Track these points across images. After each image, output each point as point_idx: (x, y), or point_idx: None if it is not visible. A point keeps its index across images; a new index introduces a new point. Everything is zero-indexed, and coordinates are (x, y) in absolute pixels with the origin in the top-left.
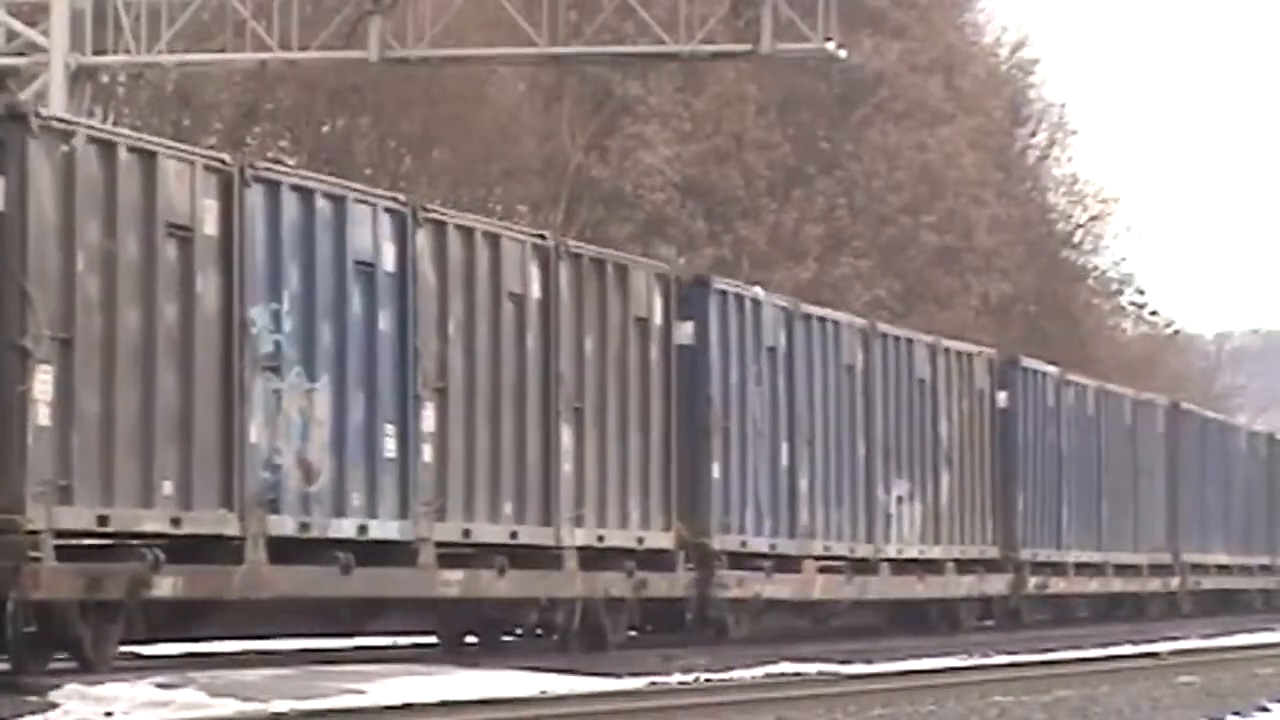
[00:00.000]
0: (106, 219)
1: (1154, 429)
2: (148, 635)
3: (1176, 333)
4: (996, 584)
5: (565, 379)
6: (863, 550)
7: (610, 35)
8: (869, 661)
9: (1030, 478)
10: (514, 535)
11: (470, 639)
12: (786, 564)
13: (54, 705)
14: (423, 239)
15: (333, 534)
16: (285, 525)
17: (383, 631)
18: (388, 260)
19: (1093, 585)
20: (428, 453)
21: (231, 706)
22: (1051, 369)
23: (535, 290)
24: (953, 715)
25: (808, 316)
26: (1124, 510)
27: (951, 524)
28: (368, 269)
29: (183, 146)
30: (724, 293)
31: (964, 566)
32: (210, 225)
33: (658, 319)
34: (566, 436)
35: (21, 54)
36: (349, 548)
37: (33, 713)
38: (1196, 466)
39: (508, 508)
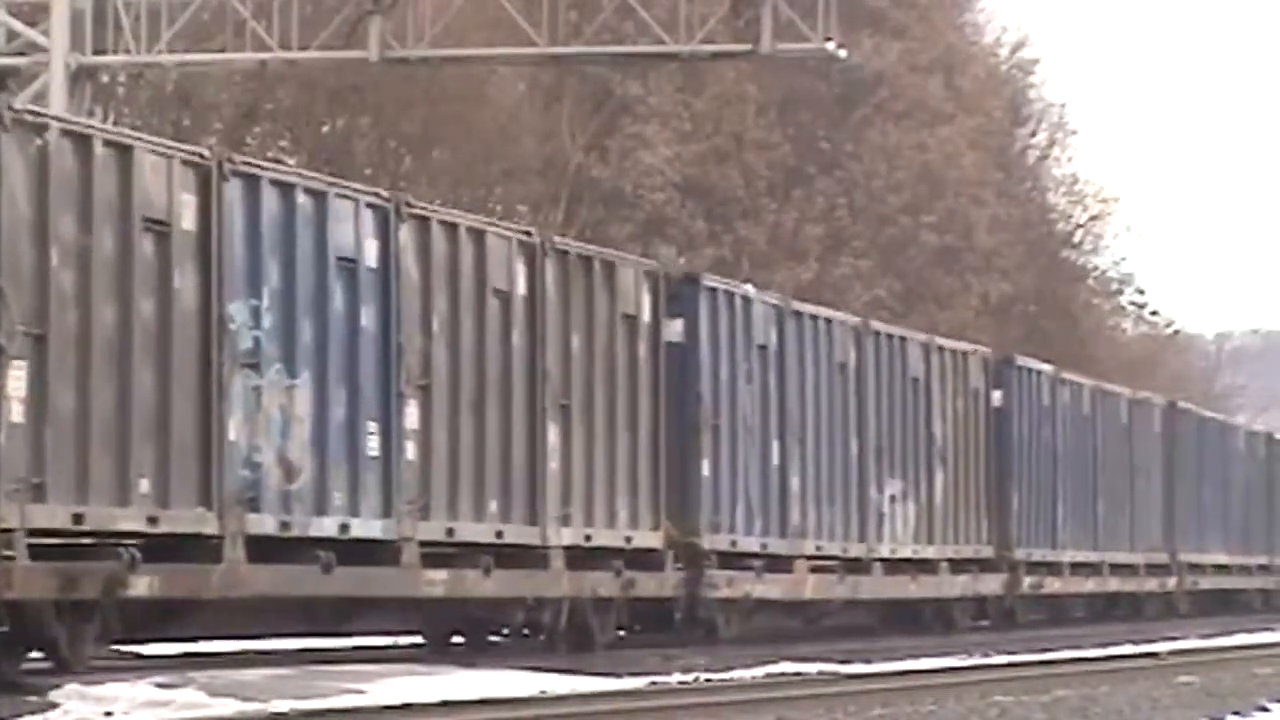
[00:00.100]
0: (81, 213)
1: (1151, 428)
2: (125, 635)
3: (1176, 333)
4: (991, 584)
5: (551, 376)
6: (855, 550)
7: (610, 35)
8: (868, 661)
9: (1025, 477)
10: (499, 534)
11: (456, 639)
12: (777, 564)
13: (54, 705)
14: (406, 234)
15: (314, 533)
16: (265, 524)
17: (369, 631)
18: (370, 256)
19: (1088, 585)
20: (411, 450)
21: (231, 706)
22: (1046, 367)
23: (521, 287)
24: (953, 715)
25: (799, 314)
26: (1120, 510)
27: (945, 523)
28: (350, 265)
29: (159, 140)
30: (714, 290)
31: (958, 566)
32: (188, 220)
33: (646, 316)
34: (553, 434)
35: (21, 54)
36: (331, 547)
37: (33, 713)
38: (1194, 466)
39: (493, 506)
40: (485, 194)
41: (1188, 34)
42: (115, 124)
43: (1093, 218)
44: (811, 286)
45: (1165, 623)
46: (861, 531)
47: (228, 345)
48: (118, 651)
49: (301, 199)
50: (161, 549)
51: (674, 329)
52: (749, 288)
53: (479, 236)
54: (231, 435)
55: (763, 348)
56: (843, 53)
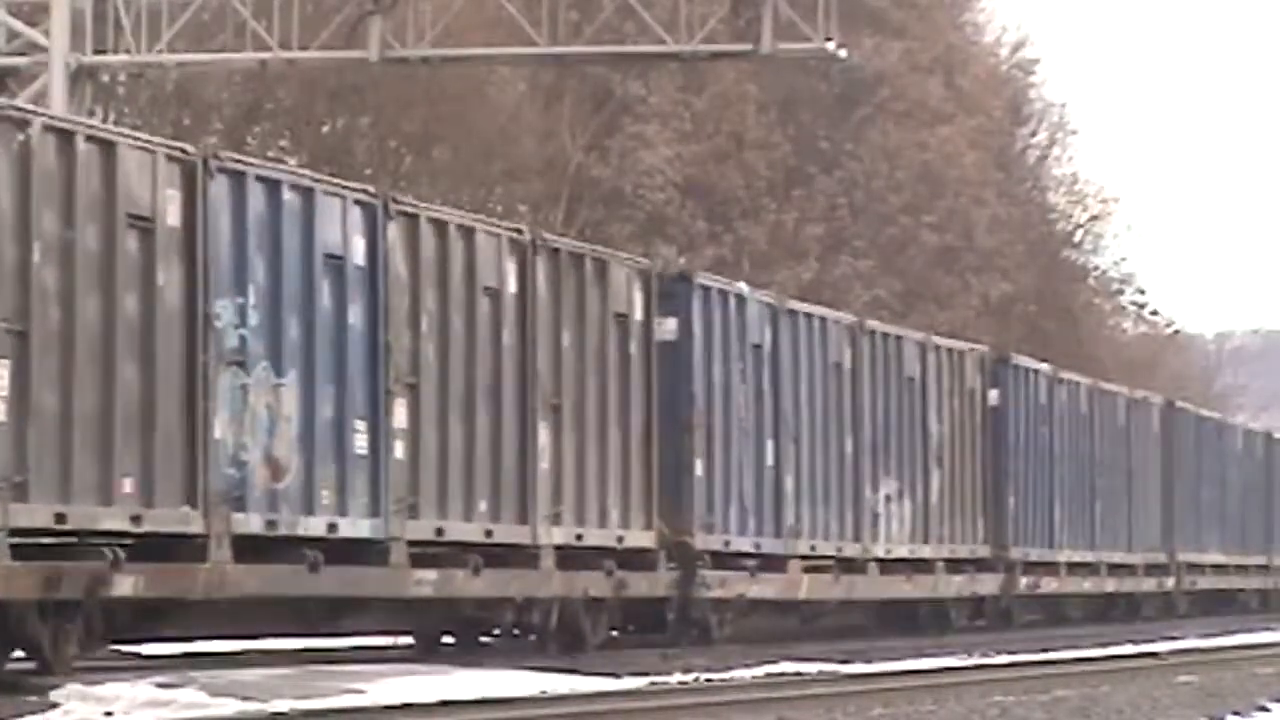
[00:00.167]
0: (64, 209)
1: (1149, 427)
2: (109, 636)
3: (1177, 332)
4: (987, 584)
5: (542, 375)
6: (850, 550)
7: (611, 35)
8: (869, 661)
9: (1022, 476)
10: (489, 534)
11: (447, 640)
12: (771, 564)
13: (54, 705)
14: (394, 232)
15: (301, 532)
16: (251, 523)
17: (358, 632)
18: (358, 253)
19: (1086, 585)
20: (400, 449)
21: (231, 706)
22: (1043, 366)
23: (511, 285)
24: (953, 715)
25: (793, 313)
26: (1118, 509)
27: (941, 523)
28: (337, 262)
29: (143, 136)
30: (707, 289)
31: (954, 566)
32: (172, 216)
33: (638, 315)
34: (544, 433)
35: (22, 54)
36: (318, 546)
37: (33, 712)
38: (1192, 465)
39: (482, 506)
40: (486, 194)
41: (1188, 34)
42: (115, 124)
43: (1093, 217)
44: (812, 286)
45: (1164, 623)
46: (856, 531)
47: (213, 343)
48: (118, 651)
49: (288, 196)
50: (146, 549)
51: (667, 328)
52: (743, 286)
53: (468, 234)
54: (217, 434)
55: (757, 347)
56: (843, 53)
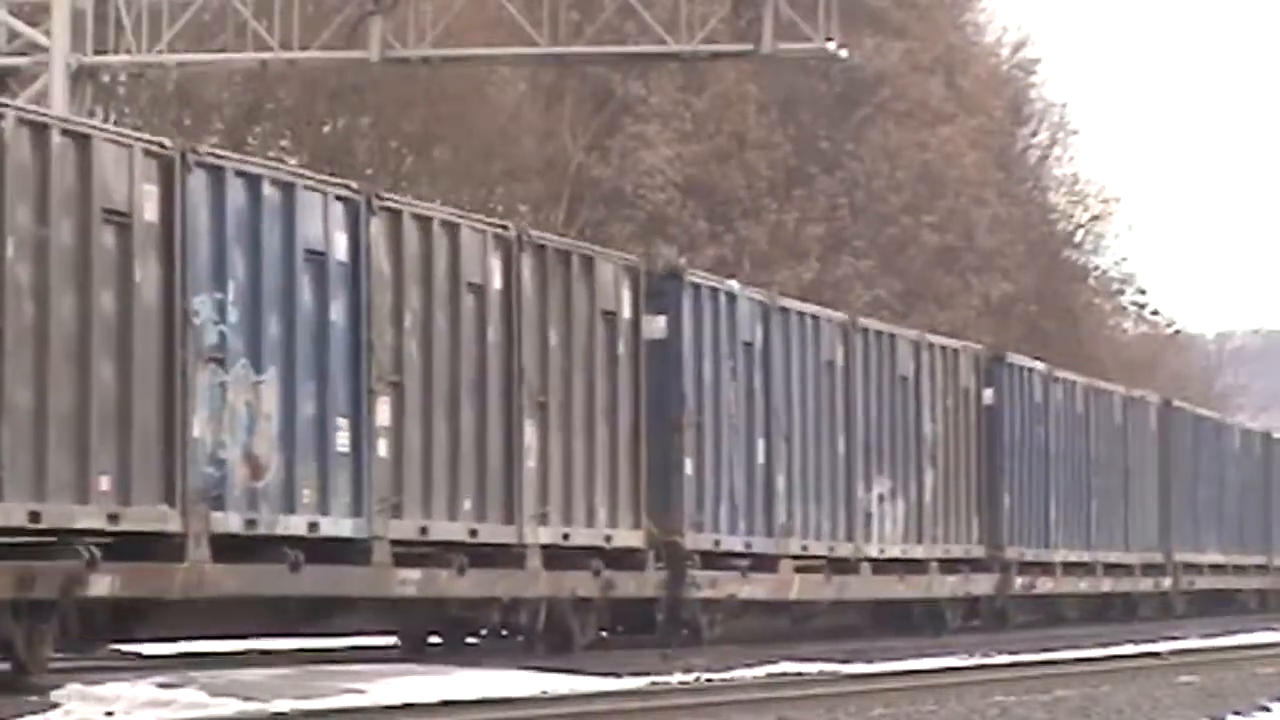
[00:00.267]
0: (38, 204)
1: (1146, 427)
2: (85, 636)
3: (1177, 332)
4: (982, 584)
5: (528, 372)
6: (842, 549)
7: (611, 35)
8: (869, 662)
9: (1017, 476)
10: (474, 533)
11: (433, 640)
12: (763, 563)
13: (55, 705)
14: (377, 228)
15: (281, 531)
16: (230, 522)
17: (342, 633)
18: (339, 249)
19: (1082, 585)
20: (383, 448)
21: (231, 706)
22: (1039, 365)
23: (496, 281)
24: (954, 715)
25: (785, 310)
26: (1114, 509)
27: (935, 523)
28: (318, 258)
29: (119, 130)
30: (698, 286)
31: (948, 566)
32: (150, 212)
33: (626, 312)
34: (530, 432)
35: (22, 54)
36: (299, 545)
37: (33, 712)
38: (1190, 465)
39: (467, 505)
40: (486, 194)
41: (1188, 34)
42: (116, 124)
43: (1094, 217)
44: (812, 286)
45: (1163, 623)
46: (849, 531)
47: (191, 340)
48: (118, 651)
49: (268, 191)
50: (123, 548)
51: (656, 325)
52: (734, 284)
53: (453, 230)
54: (195, 432)
55: (748, 344)
56: (844, 53)
